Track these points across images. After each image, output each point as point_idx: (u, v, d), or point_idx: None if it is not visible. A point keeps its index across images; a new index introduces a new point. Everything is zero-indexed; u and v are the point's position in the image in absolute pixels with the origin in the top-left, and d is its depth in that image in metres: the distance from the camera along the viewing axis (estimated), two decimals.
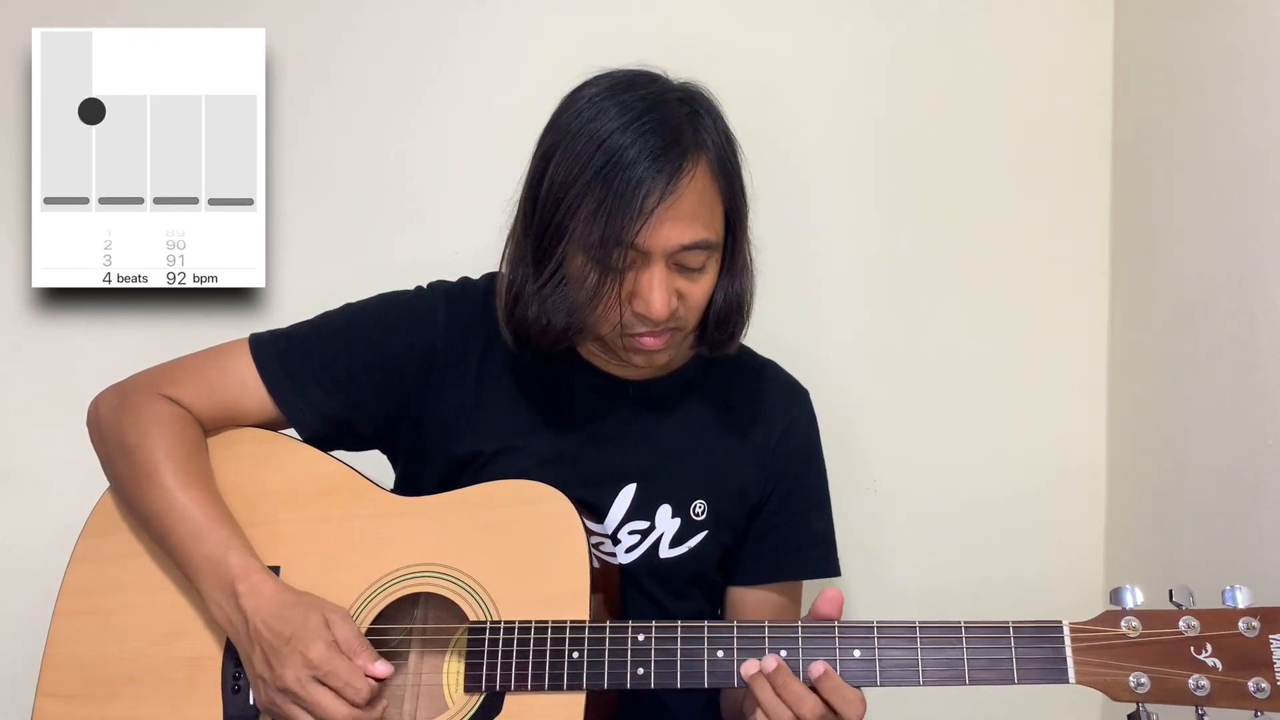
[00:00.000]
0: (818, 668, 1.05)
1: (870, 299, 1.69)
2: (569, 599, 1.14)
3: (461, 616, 1.17)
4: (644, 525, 1.27)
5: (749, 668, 1.07)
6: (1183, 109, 1.45)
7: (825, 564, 1.35)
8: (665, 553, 1.27)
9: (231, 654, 1.20)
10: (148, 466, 1.21)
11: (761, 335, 1.39)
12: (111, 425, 1.26)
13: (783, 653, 1.07)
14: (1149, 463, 1.54)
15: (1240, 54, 1.30)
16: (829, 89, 1.68)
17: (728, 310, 1.23)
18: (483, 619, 1.15)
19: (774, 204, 1.60)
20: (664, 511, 1.27)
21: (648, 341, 1.19)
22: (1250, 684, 0.98)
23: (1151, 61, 1.56)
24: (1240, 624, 0.99)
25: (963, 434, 1.68)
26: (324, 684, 1.10)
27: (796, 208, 1.67)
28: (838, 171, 1.68)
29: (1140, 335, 1.58)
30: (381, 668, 1.11)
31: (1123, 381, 1.64)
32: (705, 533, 1.28)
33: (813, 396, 1.38)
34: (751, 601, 1.34)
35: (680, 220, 1.14)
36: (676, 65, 1.24)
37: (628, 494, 1.26)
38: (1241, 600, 1.01)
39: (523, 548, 1.17)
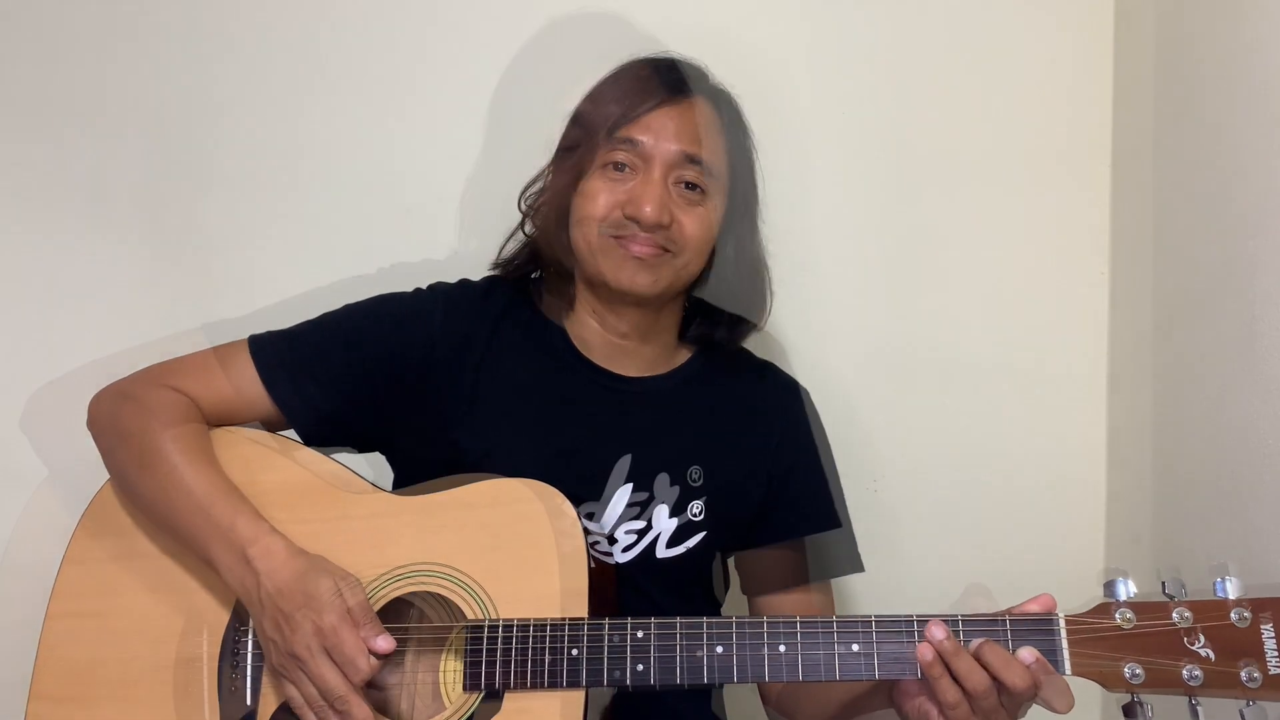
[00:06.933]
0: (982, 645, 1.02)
1: (870, 298, 1.69)
2: (568, 597, 1.14)
3: (459, 615, 1.17)
4: (641, 525, 1.27)
5: (926, 653, 1.02)
6: (1182, 109, 1.44)
7: (825, 518, 1.35)
8: (662, 553, 1.28)
9: (227, 655, 1.20)
10: (150, 448, 1.21)
11: (762, 334, 1.40)
12: (112, 416, 1.26)
13: (781, 648, 1.08)
14: (1149, 462, 1.53)
15: (1240, 54, 1.29)
16: (830, 88, 1.67)
17: (742, 271, 1.30)
18: (482, 617, 1.15)
19: (774, 204, 1.60)
20: (660, 511, 1.27)
21: (635, 247, 1.23)
22: (1242, 673, 1.00)
23: (1151, 62, 1.54)
24: (1232, 614, 1.01)
25: (963, 433, 1.68)
26: (329, 655, 1.10)
27: (796, 207, 1.65)
28: (839, 171, 1.68)
29: (1140, 335, 1.56)
30: (383, 643, 1.12)
31: (1123, 381, 1.63)
32: (704, 534, 1.29)
33: (814, 396, 1.38)
34: (789, 606, 1.34)
35: (678, 128, 1.23)
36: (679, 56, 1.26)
37: (624, 493, 1.27)
38: (1232, 590, 1.02)
39: (521, 546, 1.17)
